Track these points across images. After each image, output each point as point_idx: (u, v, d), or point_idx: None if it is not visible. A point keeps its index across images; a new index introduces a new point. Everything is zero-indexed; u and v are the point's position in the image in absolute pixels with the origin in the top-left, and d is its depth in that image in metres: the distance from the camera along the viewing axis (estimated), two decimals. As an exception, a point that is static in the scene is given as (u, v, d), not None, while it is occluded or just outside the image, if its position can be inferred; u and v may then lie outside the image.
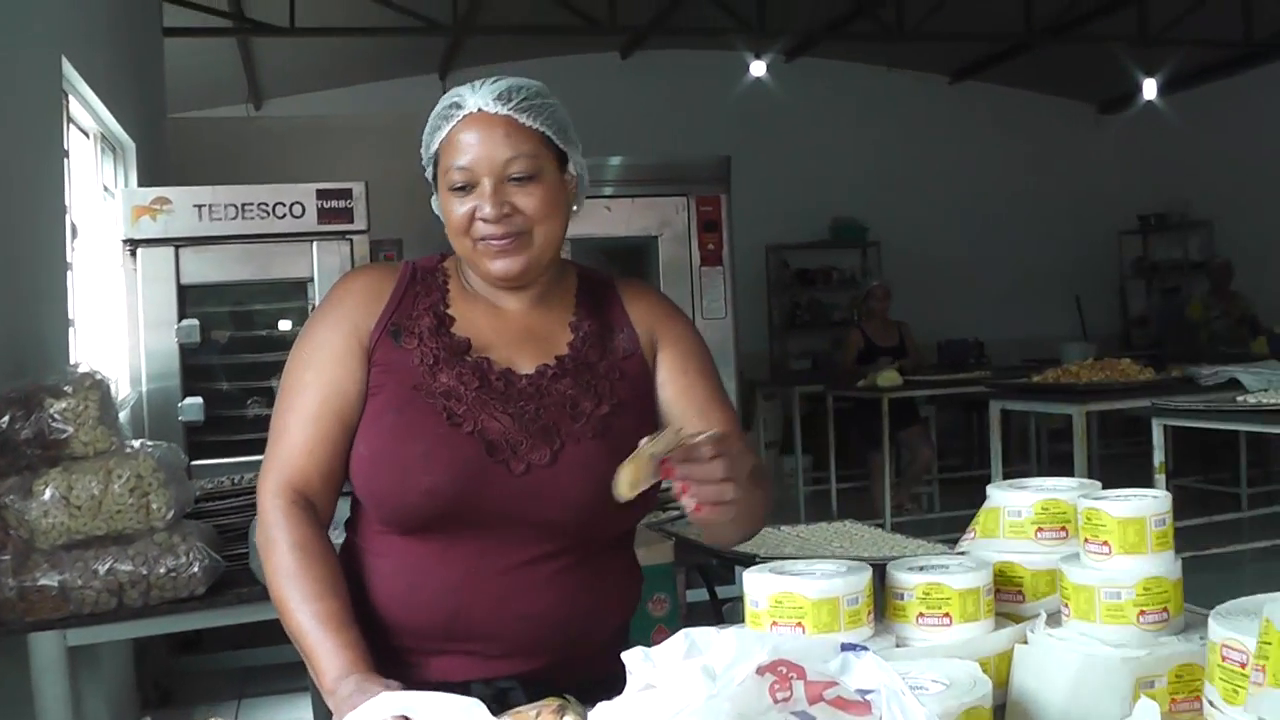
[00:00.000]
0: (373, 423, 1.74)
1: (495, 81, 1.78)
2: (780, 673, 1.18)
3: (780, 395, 10.43)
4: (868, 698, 1.21)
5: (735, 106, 11.28)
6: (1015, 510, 1.74)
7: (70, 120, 5.04)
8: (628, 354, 1.85)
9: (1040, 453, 10.22)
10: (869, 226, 12.40)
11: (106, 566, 3.02)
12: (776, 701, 1.17)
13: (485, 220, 1.73)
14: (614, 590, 1.83)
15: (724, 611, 3.48)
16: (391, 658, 1.69)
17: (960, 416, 10.89)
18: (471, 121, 1.75)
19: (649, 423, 1.80)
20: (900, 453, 8.56)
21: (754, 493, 1.66)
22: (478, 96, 1.75)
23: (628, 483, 1.50)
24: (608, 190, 5.89)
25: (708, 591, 3.56)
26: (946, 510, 8.83)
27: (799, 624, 1.48)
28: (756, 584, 1.50)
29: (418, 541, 1.72)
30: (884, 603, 1.64)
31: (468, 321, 1.82)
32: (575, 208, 1.85)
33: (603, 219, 5.82)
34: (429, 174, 1.83)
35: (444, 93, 1.81)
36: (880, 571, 1.64)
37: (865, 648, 1.27)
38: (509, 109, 1.74)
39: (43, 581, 3.02)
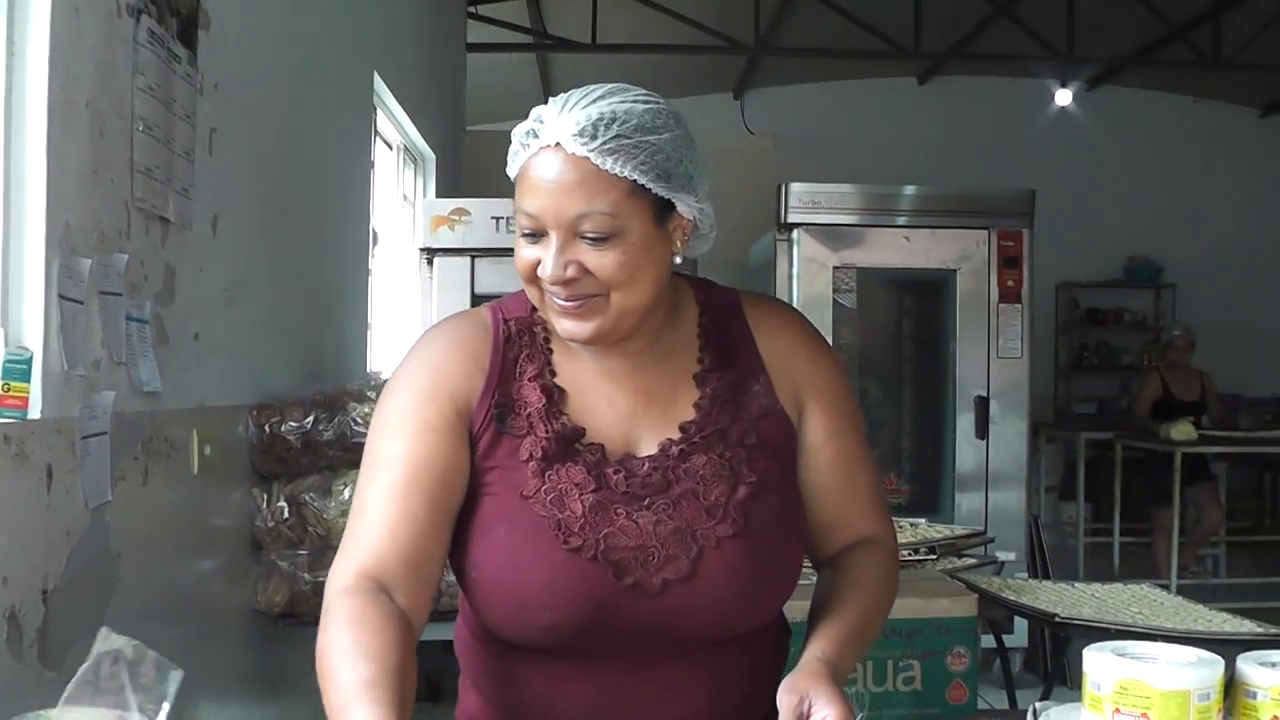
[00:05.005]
0: (481, 538, 1.46)
1: (584, 103, 1.41)
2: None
3: (1063, 439, 9.99)
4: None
5: (1033, 136, 10.88)
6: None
7: (377, 133, 5.24)
8: (765, 411, 1.54)
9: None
10: (1165, 267, 11.78)
11: (396, 571, 3.07)
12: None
13: (546, 278, 1.43)
14: (765, 666, 1.59)
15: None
16: None
17: (1252, 476, 10.20)
18: (546, 157, 1.40)
19: (791, 502, 1.54)
20: (1186, 510, 8.04)
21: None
22: (560, 122, 1.39)
23: None
24: (901, 220, 5.71)
25: (995, 640, 3.36)
26: (1234, 575, 8.26)
27: (1144, 715, 1.36)
28: (1100, 666, 1.38)
29: (548, 659, 1.47)
30: (1232, 699, 1.47)
31: (578, 392, 1.52)
32: (678, 259, 1.49)
33: (900, 249, 5.64)
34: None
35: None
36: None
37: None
38: (591, 149, 1.37)
39: (334, 580, 3.10)
